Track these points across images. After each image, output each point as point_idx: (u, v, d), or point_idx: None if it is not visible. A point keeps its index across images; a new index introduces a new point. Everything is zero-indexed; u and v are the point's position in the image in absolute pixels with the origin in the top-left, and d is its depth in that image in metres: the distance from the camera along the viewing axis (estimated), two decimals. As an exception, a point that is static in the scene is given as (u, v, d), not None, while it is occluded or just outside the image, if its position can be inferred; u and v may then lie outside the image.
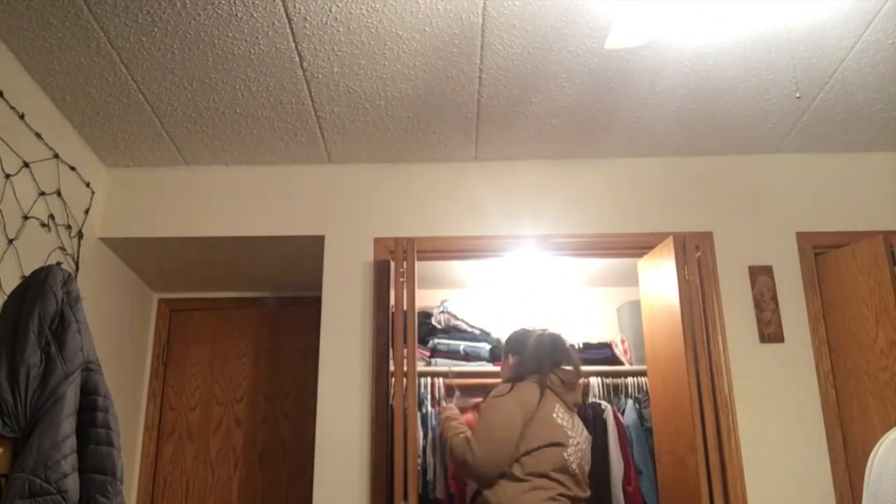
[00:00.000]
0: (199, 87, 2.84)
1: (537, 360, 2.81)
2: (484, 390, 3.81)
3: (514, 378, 2.80)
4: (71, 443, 2.13)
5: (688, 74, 2.81)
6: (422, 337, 3.77)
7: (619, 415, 3.61)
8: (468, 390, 3.85)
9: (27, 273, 2.46)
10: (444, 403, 3.58)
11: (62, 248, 2.96)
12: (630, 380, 3.72)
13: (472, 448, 2.60)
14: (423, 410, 3.57)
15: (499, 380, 3.69)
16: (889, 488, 1.28)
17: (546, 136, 3.24)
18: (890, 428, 1.42)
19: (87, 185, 3.19)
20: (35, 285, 2.29)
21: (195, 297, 4.00)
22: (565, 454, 2.62)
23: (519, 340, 2.93)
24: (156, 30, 2.52)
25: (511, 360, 2.91)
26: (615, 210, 3.34)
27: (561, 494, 2.59)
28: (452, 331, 3.87)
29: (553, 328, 3.05)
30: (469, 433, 2.70)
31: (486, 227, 3.32)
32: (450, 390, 3.65)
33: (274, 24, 2.50)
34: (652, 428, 3.31)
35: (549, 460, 2.60)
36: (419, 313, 3.45)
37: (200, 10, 2.43)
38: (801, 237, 3.25)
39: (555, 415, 2.67)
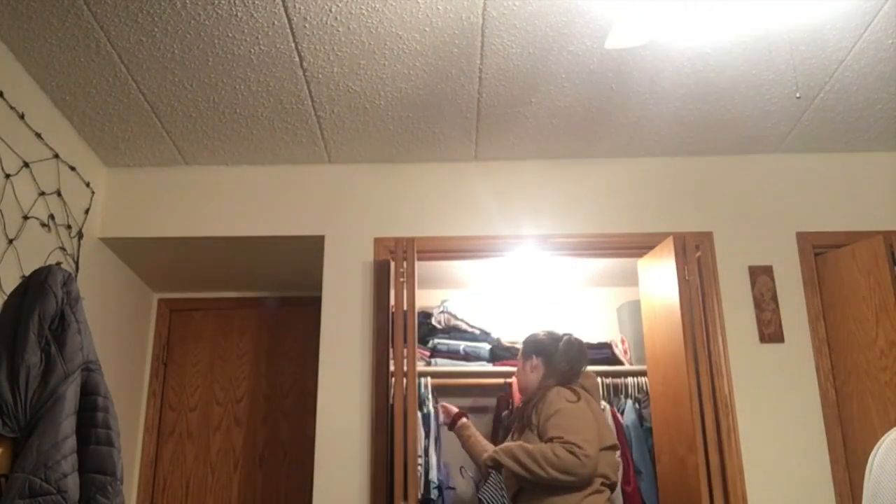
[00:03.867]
0: (199, 87, 2.84)
1: (569, 364, 2.82)
2: (484, 391, 3.83)
3: (552, 381, 2.77)
4: (71, 443, 2.13)
5: (688, 74, 2.81)
6: (422, 337, 3.77)
7: (619, 415, 3.61)
8: (467, 391, 3.85)
9: (27, 273, 2.45)
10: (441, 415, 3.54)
11: (62, 248, 2.96)
12: (630, 380, 3.71)
13: (584, 451, 2.48)
14: (425, 410, 3.57)
15: (499, 380, 3.73)
16: (889, 488, 1.28)
17: (546, 136, 3.23)
18: (890, 428, 1.42)
19: (87, 185, 3.19)
20: (35, 285, 2.28)
21: (195, 297, 4.00)
22: (616, 457, 2.71)
23: (547, 343, 2.89)
24: (156, 30, 2.52)
25: (536, 361, 2.86)
26: (615, 210, 3.34)
27: (608, 499, 2.64)
28: (452, 331, 3.86)
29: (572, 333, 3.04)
30: (558, 440, 2.53)
31: (485, 227, 3.31)
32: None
33: (274, 24, 2.50)
34: (651, 428, 3.31)
35: (610, 463, 2.66)
36: (419, 313, 3.44)
37: (200, 10, 2.43)
38: (801, 237, 3.25)
39: (609, 419, 2.70)
